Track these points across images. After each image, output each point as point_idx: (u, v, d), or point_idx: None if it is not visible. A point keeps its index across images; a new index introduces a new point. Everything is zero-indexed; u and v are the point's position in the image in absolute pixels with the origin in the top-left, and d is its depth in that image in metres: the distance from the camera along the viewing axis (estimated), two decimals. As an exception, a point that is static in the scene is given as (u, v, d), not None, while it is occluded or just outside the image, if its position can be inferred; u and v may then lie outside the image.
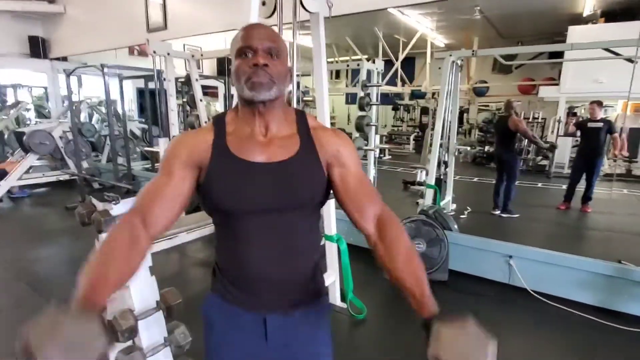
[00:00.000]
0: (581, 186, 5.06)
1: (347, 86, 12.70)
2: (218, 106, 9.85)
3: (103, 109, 7.23)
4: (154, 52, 3.59)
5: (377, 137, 4.55)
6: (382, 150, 9.64)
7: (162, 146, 3.67)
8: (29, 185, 5.85)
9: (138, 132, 7.45)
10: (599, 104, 4.88)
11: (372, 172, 4.40)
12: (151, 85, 6.21)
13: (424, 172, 5.71)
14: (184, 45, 7.68)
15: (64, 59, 7.03)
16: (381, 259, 0.83)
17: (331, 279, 2.64)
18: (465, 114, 11.14)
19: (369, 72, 4.29)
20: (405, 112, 13.72)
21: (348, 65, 5.01)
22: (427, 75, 11.02)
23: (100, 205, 1.51)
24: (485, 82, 11.44)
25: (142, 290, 1.59)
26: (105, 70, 4.64)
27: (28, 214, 5.12)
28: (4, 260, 3.43)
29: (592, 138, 4.81)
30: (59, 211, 4.98)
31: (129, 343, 1.60)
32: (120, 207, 1.52)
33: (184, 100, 4.72)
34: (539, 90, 9.37)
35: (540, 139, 4.86)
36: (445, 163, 4.47)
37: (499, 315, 2.65)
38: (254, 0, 1.68)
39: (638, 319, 2.50)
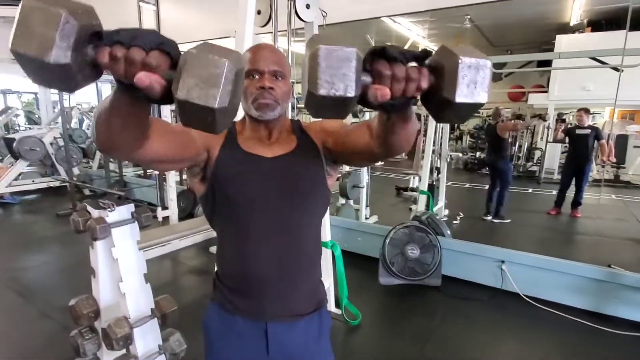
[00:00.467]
0: (571, 191, 5.15)
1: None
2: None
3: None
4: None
5: (370, 143, 4.59)
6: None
7: (155, 153, 3.65)
8: (18, 192, 5.77)
9: (130, 139, 7.39)
10: (587, 111, 5.00)
11: (365, 178, 4.43)
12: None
13: (416, 178, 5.76)
14: (177, 51, 7.68)
15: (55, 64, 6.97)
16: (375, 140, 0.73)
17: (326, 285, 2.64)
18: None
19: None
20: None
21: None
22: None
23: (95, 213, 1.51)
24: (476, 89, 11.61)
25: (137, 298, 1.58)
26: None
27: (18, 221, 5.04)
28: (-7, 268, 3.38)
29: (580, 144, 4.92)
30: (49, 218, 4.91)
31: (123, 351, 1.59)
32: (115, 215, 1.52)
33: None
34: (528, 97, 9.54)
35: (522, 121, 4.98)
36: (438, 169, 4.52)
37: (491, 320, 2.68)
38: (249, 9, 1.70)
39: (628, 323, 2.54)
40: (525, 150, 9.18)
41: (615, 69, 3.64)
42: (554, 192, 5.39)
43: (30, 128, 6.76)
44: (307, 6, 1.89)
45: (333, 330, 2.66)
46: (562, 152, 7.58)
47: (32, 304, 2.76)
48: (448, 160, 5.01)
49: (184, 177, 5.51)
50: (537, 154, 8.57)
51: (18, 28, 0.40)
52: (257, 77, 0.87)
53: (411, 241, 3.03)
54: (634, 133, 8.09)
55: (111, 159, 5.91)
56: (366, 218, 4.39)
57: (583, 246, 4.26)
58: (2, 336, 2.40)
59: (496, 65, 4.83)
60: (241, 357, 0.92)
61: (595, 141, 4.89)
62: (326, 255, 2.67)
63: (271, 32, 1.95)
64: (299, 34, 2.21)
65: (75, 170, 5.89)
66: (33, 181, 5.98)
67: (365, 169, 4.50)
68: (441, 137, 4.50)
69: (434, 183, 4.45)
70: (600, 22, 7.68)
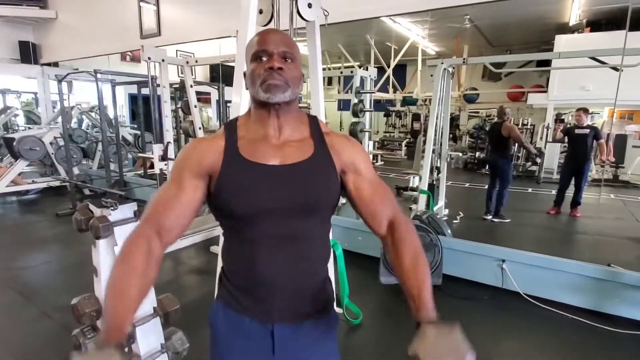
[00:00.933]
0: (570, 191, 5.16)
1: (339, 93, 12.79)
2: (210, 112, 9.84)
3: (94, 115, 7.18)
4: (149, 58, 3.59)
5: (371, 143, 4.60)
6: (374, 156, 9.71)
7: (156, 152, 3.65)
8: (17, 191, 5.77)
9: (130, 138, 7.40)
10: (585, 111, 5.03)
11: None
12: (144, 91, 6.21)
13: (416, 178, 5.77)
14: (176, 51, 7.69)
15: (55, 64, 6.98)
16: (390, 259, 0.87)
17: (327, 284, 2.65)
18: (455, 121, 11.29)
19: (362, 79, 4.34)
20: (397, 119, 13.86)
21: (342, 72, 5.05)
22: (418, 82, 11.16)
23: (98, 211, 1.51)
24: (476, 89, 11.62)
25: (139, 297, 1.58)
26: (99, 76, 4.61)
27: (18, 221, 5.03)
28: (-6, 268, 3.38)
29: (579, 144, 4.94)
30: (49, 218, 4.91)
31: (125, 350, 1.60)
32: (118, 213, 1.52)
33: (178, 106, 4.72)
34: (527, 97, 9.55)
35: (530, 144, 5.00)
36: (438, 169, 4.52)
37: (492, 319, 2.68)
38: (252, 8, 1.71)
39: (627, 321, 2.55)
40: (524, 150, 9.19)
41: (615, 68, 3.65)
42: (554, 192, 5.40)
43: (29, 128, 6.74)
44: (309, 5, 1.90)
45: (334, 329, 2.65)
46: (562, 152, 7.59)
47: (32, 303, 2.76)
48: (448, 160, 5.01)
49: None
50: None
51: None
52: (265, 58, 0.83)
53: (412, 240, 3.03)
54: (633, 133, 8.11)
55: (111, 160, 5.92)
56: (366, 217, 4.38)
57: (583, 245, 4.27)
58: (3, 335, 2.40)
59: (496, 65, 4.84)
60: (247, 356, 0.91)
61: (595, 141, 4.91)
62: (327, 255, 2.68)
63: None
64: (300, 33, 2.21)
65: (75, 170, 5.88)
66: (33, 181, 5.98)
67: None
68: (441, 137, 4.50)
69: (434, 182, 4.46)
70: (599, 22, 7.69)
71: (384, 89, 11.44)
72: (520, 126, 9.24)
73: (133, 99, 8.96)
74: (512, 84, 11.50)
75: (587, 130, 4.90)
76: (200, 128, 3.99)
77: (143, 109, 6.44)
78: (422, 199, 3.98)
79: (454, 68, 4.32)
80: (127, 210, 1.56)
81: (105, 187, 5.52)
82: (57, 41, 6.55)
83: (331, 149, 0.89)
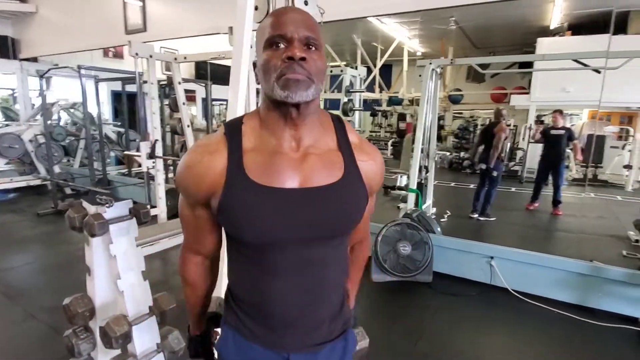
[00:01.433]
0: (550, 190, 5.35)
1: (325, 92, 12.81)
2: (194, 110, 9.70)
3: (75, 112, 7.00)
4: (136, 54, 3.52)
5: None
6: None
7: (143, 150, 3.58)
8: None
9: (113, 136, 7.23)
10: (560, 112, 5.29)
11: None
12: (128, 87, 6.08)
13: (404, 177, 5.83)
14: (160, 48, 7.55)
15: (34, 59, 6.76)
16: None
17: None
18: (441, 121, 11.45)
19: (351, 79, 4.35)
20: (383, 118, 13.96)
21: (331, 71, 5.05)
22: (404, 83, 11.28)
23: (92, 209, 1.47)
24: (460, 90, 11.81)
25: (135, 296, 1.55)
26: (82, 72, 4.49)
27: (-4, 221, 4.87)
28: (-27, 269, 3.25)
29: (554, 144, 5.17)
30: (30, 218, 4.76)
31: (119, 351, 1.56)
32: (113, 211, 1.49)
33: (166, 103, 4.65)
34: (510, 98, 9.76)
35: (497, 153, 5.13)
36: (426, 168, 4.58)
37: (481, 314, 2.74)
38: (248, 4, 1.69)
39: (610, 315, 2.63)
40: (507, 150, 9.39)
41: (597, 71, 3.77)
42: (536, 191, 5.57)
43: (7, 125, 6.52)
44: (306, 3, 1.89)
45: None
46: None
47: (17, 305, 2.67)
48: (436, 159, 5.08)
49: (170, 175, 5.42)
50: (520, 153, 8.77)
51: None
52: (283, 45, 0.66)
53: (403, 238, 3.07)
54: (611, 134, 8.38)
55: (94, 158, 5.77)
56: (356, 216, 4.40)
57: (567, 243, 4.39)
58: (-13, 338, 2.32)
59: (482, 66, 4.93)
60: None
61: (569, 141, 5.17)
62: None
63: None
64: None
65: (56, 169, 5.71)
66: (11, 179, 5.78)
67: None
68: (429, 137, 4.56)
69: (423, 182, 4.51)
70: (579, 26, 7.94)
71: (370, 88, 11.51)
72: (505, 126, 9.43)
73: (116, 95, 8.75)
74: (495, 85, 11.73)
75: (562, 131, 5.13)
76: (188, 126, 3.93)
77: (127, 106, 6.31)
78: (412, 197, 4.02)
79: (442, 69, 4.38)
80: (122, 207, 1.53)
81: (88, 185, 5.39)
82: (37, 36, 6.34)
83: (361, 167, 0.75)
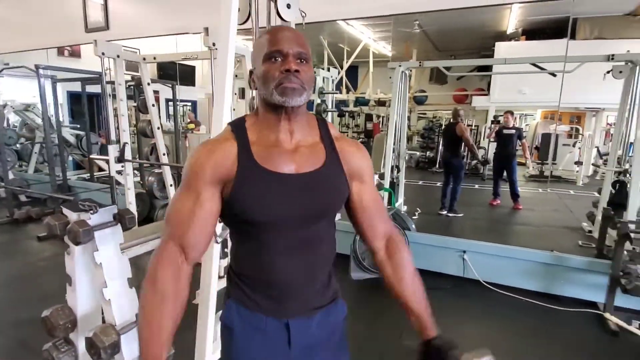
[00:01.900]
0: (507, 186, 5.73)
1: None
2: (154, 112, 9.38)
3: (30, 114, 6.58)
4: (103, 53, 3.37)
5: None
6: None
7: (111, 154, 3.43)
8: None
9: (72, 139, 6.86)
10: (512, 113, 5.68)
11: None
12: (89, 88, 5.80)
13: (374, 177, 5.95)
14: (121, 47, 7.24)
15: (-22, 58, 6.28)
16: (388, 279, 0.96)
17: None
18: (407, 121, 11.76)
19: (324, 80, 4.40)
20: (350, 119, 14.14)
21: (303, 73, 5.06)
22: (370, 83, 11.49)
23: (74, 216, 1.41)
24: (424, 91, 12.20)
25: (121, 304, 1.51)
26: (40, 72, 4.24)
27: (-58, 233, 4.49)
28: None
29: (505, 143, 5.54)
30: (-18, 228, 4.43)
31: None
32: (97, 217, 1.44)
33: (134, 105, 4.48)
34: (472, 99, 10.21)
35: (477, 150, 5.59)
36: (398, 167, 4.71)
37: (456, 306, 2.86)
38: (233, 5, 1.68)
39: (572, 300, 2.85)
40: (469, 152, 9.82)
41: (553, 74, 4.05)
42: (497, 188, 5.90)
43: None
44: (288, 6, 1.91)
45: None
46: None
47: (-23, 321, 2.49)
48: (406, 158, 5.23)
49: (138, 180, 5.22)
50: (481, 152, 9.18)
51: None
52: (279, 59, 0.80)
53: (381, 236, 3.14)
54: (563, 132, 8.97)
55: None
56: (331, 216, 4.45)
57: (528, 235, 4.67)
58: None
59: (447, 69, 5.14)
60: (265, 351, 0.91)
61: (519, 140, 5.53)
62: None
63: (251, 28, 1.94)
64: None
65: (10, 174, 5.34)
66: (-42, 187, 5.34)
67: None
68: (400, 137, 4.69)
69: (395, 180, 4.63)
70: (533, 31, 8.45)
71: (336, 89, 11.61)
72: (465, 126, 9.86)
73: (72, 96, 8.30)
74: (457, 87, 12.21)
75: (513, 131, 5.51)
76: (158, 128, 3.81)
77: (88, 107, 6.01)
78: (386, 196, 4.12)
79: (410, 71, 4.53)
80: (106, 213, 1.48)
81: (46, 192, 5.08)
82: (-16, 32, 5.90)
83: (341, 155, 0.89)
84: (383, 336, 2.42)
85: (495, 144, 8.26)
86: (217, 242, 1.74)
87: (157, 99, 9.63)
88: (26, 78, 6.69)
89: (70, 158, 7.17)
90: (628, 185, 3.59)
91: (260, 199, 0.81)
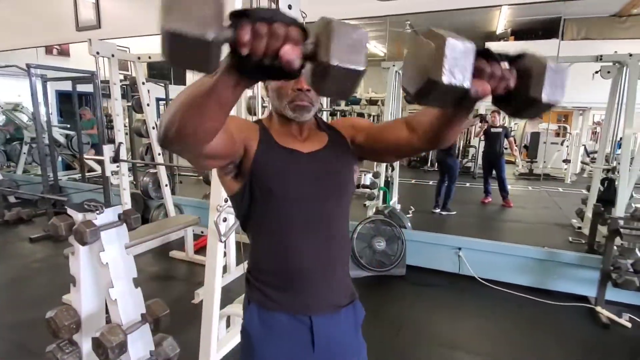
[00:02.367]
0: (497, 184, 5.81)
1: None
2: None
3: (19, 114, 6.47)
4: (97, 53, 3.34)
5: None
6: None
7: (106, 154, 3.40)
8: None
9: (62, 140, 6.76)
10: (499, 112, 5.79)
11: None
12: (79, 87, 5.71)
13: (368, 176, 5.99)
14: (116, 46, 7.15)
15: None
16: (423, 133, 0.79)
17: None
18: (398, 120, 11.82)
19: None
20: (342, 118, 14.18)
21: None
22: (362, 83, 11.54)
23: (79, 216, 1.42)
24: (415, 90, 12.28)
25: (126, 304, 1.51)
26: (31, 71, 4.18)
27: None
28: None
29: (493, 141, 5.67)
30: (-30, 230, 4.35)
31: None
32: (103, 217, 1.44)
33: (129, 104, 4.45)
34: (462, 98, 10.30)
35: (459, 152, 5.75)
36: (392, 166, 4.75)
37: (452, 302, 2.91)
38: (236, 6, 1.69)
39: (565, 295, 2.92)
40: (461, 147, 9.93)
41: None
42: (488, 186, 6.00)
43: None
44: (290, 6, 1.93)
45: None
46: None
47: (-28, 324, 2.46)
48: (400, 157, 5.28)
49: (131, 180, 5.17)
50: (472, 151, 9.31)
51: (172, 6, 0.40)
52: None
53: (377, 234, 3.18)
54: (551, 131, 9.12)
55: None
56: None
57: (520, 231, 4.76)
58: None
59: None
60: (288, 355, 0.91)
61: (505, 138, 5.69)
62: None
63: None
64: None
65: (-1, 175, 5.26)
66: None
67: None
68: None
69: (389, 179, 4.68)
70: (521, 32, 8.59)
71: (329, 89, 11.63)
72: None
73: (61, 96, 8.16)
74: (446, 86, 12.33)
75: (500, 129, 5.64)
76: (153, 128, 3.79)
77: (79, 107, 5.93)
78: (381, 195, 4.17)
79: (405, 70, 4.57)
80: (112, 213, 1.48)
81: (37, 192, 5.00)
82: (-30, 31, 5.78)
83: (339, 130, 1.00)
84: (380, 334, 2.45)
85: (484, 142, 8.43)
86: (221, 241, 1.75)
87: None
88: (12, 77, 6.58)
89: (60, 158, 7.06)
90: (616, 182, 3.69)
91: (279, 169, 0.88)
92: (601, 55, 3.48)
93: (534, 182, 7.87)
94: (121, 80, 4.31)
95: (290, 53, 0.46)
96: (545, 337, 2.47)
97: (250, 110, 3.11)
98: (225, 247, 2.36)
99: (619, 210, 3.33)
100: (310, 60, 0.48)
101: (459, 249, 3.19)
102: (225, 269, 2.62)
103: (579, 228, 4.52)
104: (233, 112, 1.80)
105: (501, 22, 8.33)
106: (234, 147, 0.82)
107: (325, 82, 0.48)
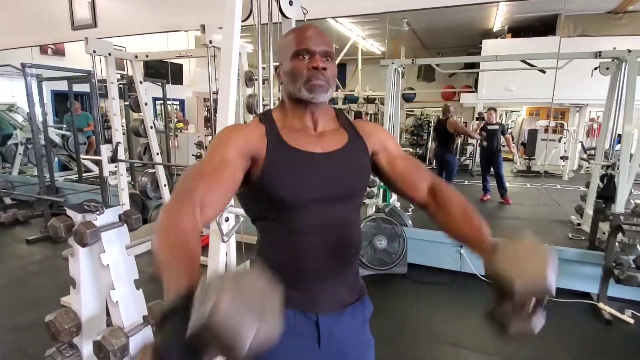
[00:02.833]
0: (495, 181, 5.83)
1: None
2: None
3: (13, 114, 6.41)
4: (94, 51, 3.30)
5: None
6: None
7: (104, 154, 3.36)
8: None
9: (58, 140, 6.70)
10: (494, 110, 5.88)
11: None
12: (76, 87, 5.66)
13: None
14: (113, 45, 7.10)
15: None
16: (439, 221, 0.88)
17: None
18: (395, 119, 11.82)
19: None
20: (339, 117, 14.15)
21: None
22: (359, 81, 11.51)
23: (79, 217, 1.39)
24: (413, 89, 12.29)
25: (128, 306, 1.48)
26: (27, 70, 4.13)
27: None
28: None
29: (490, 138, 5.70)
30: (-34, 232, 4.30)
31: None
32: (104, 218, 1.41)
33: (126, 104, 4.40)
34: (460, 96, 10.33)
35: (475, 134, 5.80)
36: (391, 164, 4.74)
37: (454, 300, 2.91)
38: (237, 4, 1.66)
39: (567, 291, 2.90)
40: (459, 145, 9.94)
41: (542, 71, 4.13)
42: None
43: None
44: (290, 3, 1.90)
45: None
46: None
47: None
48: (399, 155, 5.28)
49: (129, 180, 5.12)
50: (470, 148, 9.32)
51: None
52: (307, 57, 0.84)
53: (379, 233, 3.17)
54: (549, 128, 9.14)
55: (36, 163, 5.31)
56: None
57: (519, 228, 4.75)
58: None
59: (438, 66, 5.19)
60: (294, 351, 0.89)
61: (502, 135, 5.70)
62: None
63: (252, 25, 1.93)
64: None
65: (-6, 177, 5.20)
66: (-61, 191, 5.16)
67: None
68: (393, 134, 4.73)
69: (388, 177, 4.66)
70: (518, 29, 8.60)
71: (326, 87, 11.60)
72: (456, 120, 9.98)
73: (56, 95, 8.09)
74: (444, 84, 12.34)
75: (496, 126, 5.69)
76: (151, 127, 3.75)
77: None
78: (381, 193, 4.15)
79: (404, 68, 4.56)
80: (112, 214, 1.45)
81: (33, 193, 4.95)
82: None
83: (362, 134, 0.94)
84: (384, 332, 2.44)
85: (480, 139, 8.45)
86: (223, 242, 1.72)
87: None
88: (5, 77, 6.51)
89: (56, 159, 7.01)
90: (616, 179, 3.69)
91: (290, 177, 0.84)
92: (600, 52, 3.47)
93: (532, 179, 7.88)
94: (118, 80, 4.27)
95: None
96: (547, 334, 2.45)
97: (250, 110, 3.08)
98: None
99: (619, 206, 3.32)
100: None
101: (461, 246, 3.18)
102: (226, 269, 2.59)
103: (579, 225, 4.52)
104: (233, 111, 1.73)
105: (498, 19, 8.34)
106: (238, 181, 0.82)
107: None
